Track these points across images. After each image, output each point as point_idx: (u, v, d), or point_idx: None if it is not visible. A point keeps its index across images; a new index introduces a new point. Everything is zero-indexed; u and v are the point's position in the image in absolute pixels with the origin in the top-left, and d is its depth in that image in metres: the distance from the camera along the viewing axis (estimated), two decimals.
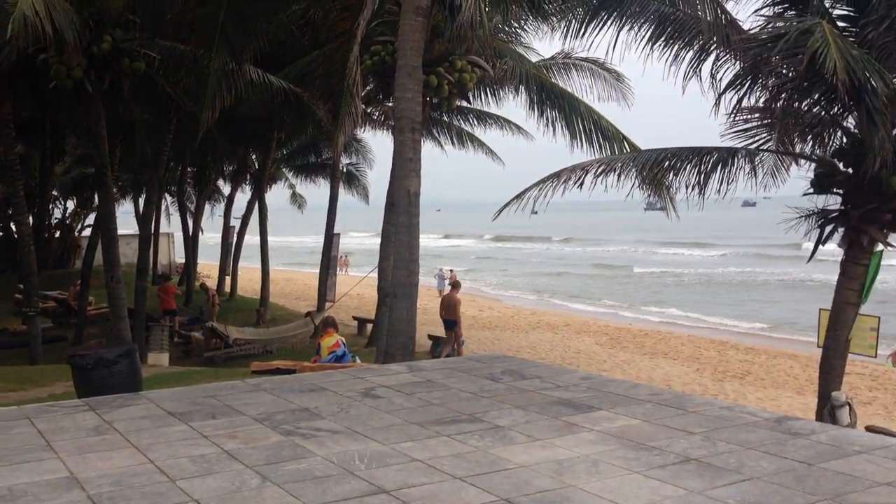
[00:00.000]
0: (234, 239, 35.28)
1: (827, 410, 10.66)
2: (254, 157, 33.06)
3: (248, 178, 34.71)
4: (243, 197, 35.62)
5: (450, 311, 18.76)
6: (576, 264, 64.21)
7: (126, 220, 31.97)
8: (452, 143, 26.35)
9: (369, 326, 22.23)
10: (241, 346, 20.56)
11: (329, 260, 27.10)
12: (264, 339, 21.65)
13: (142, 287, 20.50)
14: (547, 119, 18.46)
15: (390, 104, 16.85)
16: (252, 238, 33.05)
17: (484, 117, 24.23)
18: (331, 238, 27.07)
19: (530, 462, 5.19)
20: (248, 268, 40.17)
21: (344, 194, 33.03)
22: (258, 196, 31.53)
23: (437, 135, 25.76)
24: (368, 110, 22.59)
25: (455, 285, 20.26)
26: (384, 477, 4.88)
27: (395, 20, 14.12)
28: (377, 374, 8.25)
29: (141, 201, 35.77)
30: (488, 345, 20.69)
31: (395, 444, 5.60)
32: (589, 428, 6.01)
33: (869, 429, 10.92)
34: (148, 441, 5.64)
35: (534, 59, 20.21)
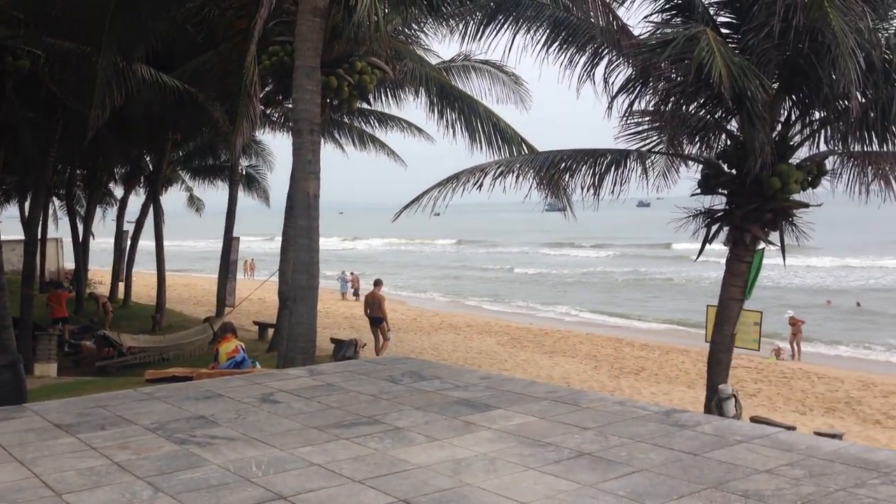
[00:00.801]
0: (128, 243, 34.08)
1: (714, 402, 11.12)
2: (148, 158, 32.01)
3: (142, 180, 33.57)
4: (137, 200, 34.45)
5: (374, 309, 19.33)
6: (476, 266, 64.94)
7: (11, 224, 30.49)
8: (354, 144, 26.17)
9: (271, 331, 21.86)
10: (135, 355, 19.86)
11: (228, 264, 26.49)
12: (160, 346, 20.98)
13: (28, 295, 19.54)
14: (447, 121, 18.57)
15: (290, 105, 16.62)
16: (147, 243, 32.01)
17: (385, 119, 24.17)
18: (230, 242, 26.48)
19: (429, 462, 5.22)
20: (144, 273, 38.91)
21: (244, 197, 32.41)
22: (153, 199, 30.55)
23: (338, 136, 25.52)
24: (268, 112, 22.20)
25: (377, 283, 20.35)
26: (281, 483, 4.83)
27: (293, 20, 13.92)
28: (276, 379, 8.14)
29: (27, 205, 34.12)
30: (391, 347, 20.65)
31: (294, 449, 5.54)
32: (487, 427, 6.09)
33: (753, 419, 11.45)
34: (32, 455, 5.40)
35: (434, 61, 20.29)
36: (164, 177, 31.06)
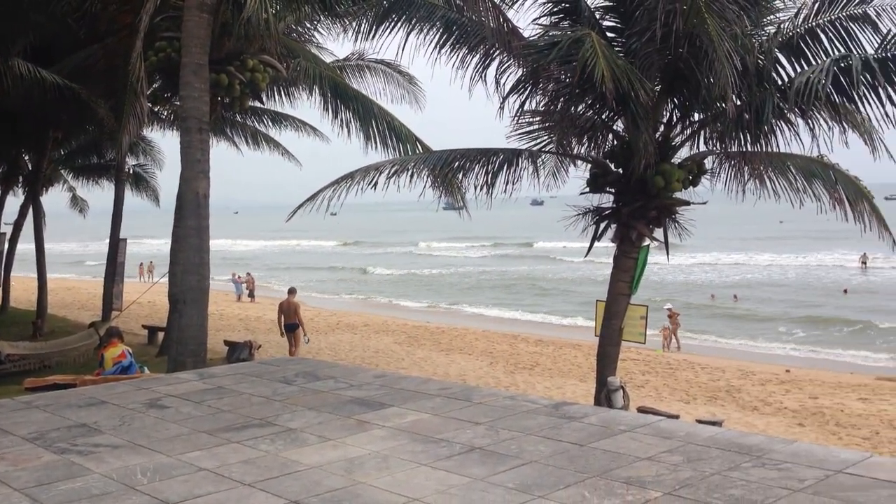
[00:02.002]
0: (6, 246, 32.36)
1: (603, 395, 11.46)
2: (27, 157, 30.50)
3: (20, 180, 31.95)
4: (15, 201, 32.75)
5: (289, 316, 19.39)
6: (375, 264, 64.83)
7: None
8: (248, 143, 25.70)
9: (161, 335, 21.21)
10: (14, 363, 18.87)
11: (115, 266, 25.53)
12: (42, 352, 20.02)
13: None
14: (342, 120, 18.45)
15: (179, 103, 16.18)
16: (27, 246, 30.51)
17: (279, 118, 23.82)
18: (116, 243, 25.54)
19: (321, 462, 5.20)
20: (24, 277, 37.07)
21: (133, 197, 31.27)
22: (32, 200, 29.14)
23: (231, 135, 25.02)
24: (156, 109, 21.52)
25: (292, 291, 20.27)
26: (168, 490, 4.72)
27: (180, 15, 13.56)
28: (164, 384, 7.94)
29: None
30: (287, 348, 20.39)
31: (181, 454, 5.42)
32: (380, 425, 6.12)
33: (640, 409, 11.88)
34: None
35: (328, 59, 20.14)
36: (44, 176, 29.66)
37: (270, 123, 24.11)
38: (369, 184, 12.49)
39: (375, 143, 18.12)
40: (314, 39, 19.37)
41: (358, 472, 4.99)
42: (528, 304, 39.37)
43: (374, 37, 12.36)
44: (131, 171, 31.62)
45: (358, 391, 7.31)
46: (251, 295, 39.78)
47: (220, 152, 26.43)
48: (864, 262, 51.03)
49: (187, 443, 5.71)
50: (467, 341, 25.39)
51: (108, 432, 6.01)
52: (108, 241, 25.99)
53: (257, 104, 19.40)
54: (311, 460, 5.25)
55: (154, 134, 29.07)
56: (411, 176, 12.53)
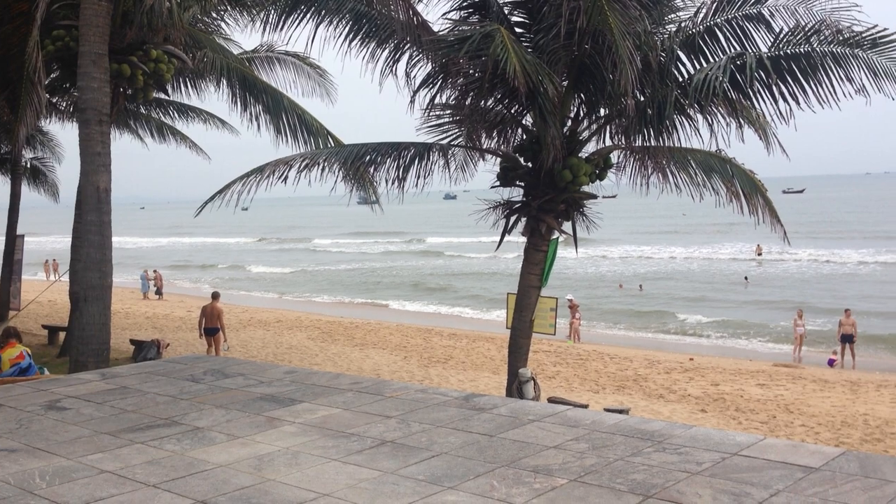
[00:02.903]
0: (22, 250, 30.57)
1: (515, 386, 11.64)
2: None
3: None
4: None
5: (211, 320, 19.10)
6: (286, 260, 64.05)
7: None
8: (153, 136, 24.96)
9: (62, 335, 20.44)
10: None
11: (12, 264, 24.48)
12: None
13: None
14: (251, 113, 18.12)
15: (78, 94, 15.61)
16: None
17: (186, 110, 23.19)
18: (13, 240, 24.49)
19: (230, 461, 5.13)
20: None
21: (30, 192, 30.03)
22: None
23: (135, 127, 24.25)
24: (54, 100, 20.69)
25: (215, 296, 19.80)
26: (69, 493, 4.58)
27: (79, 3, 13.09)
28: (65, 385, 7.67)
29: None
30: (196, 346, 19.95)
31: (82, 457, 5.27)
32: (291, 421, 6.07)
33: (551, 400, 12.12)
34: None
35: (236, 51, 19.73)
36: None
37: (177, 116, 23.47)
38: (279, 178, 12.33)
39: (286, 136, 17.88)
40: (221, 30, 18.99)
41: (267, 470, 4.94)
42: (431, 299, 39.69)
43: (282, 28, 12.22)
44: (28, 165, 30.35)
45: (268, 388, 7.22)
46: (159, 292, 38.72)
47: (125, 145, 25.68)
48: (759, 254, 53.20)
49: (89, 445, 5.54)
50: (381, 336, 25.36)
51: (3, 436, 5.78)
52: (3, 237, 24.94)
53: (162, 96, 18.89)
54: (218, 459, 5.17)
55: (53, 126, 27.96)
56: (322, 170, 12.43)
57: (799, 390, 17.75)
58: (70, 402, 6.85)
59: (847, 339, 23.17)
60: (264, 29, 12.76)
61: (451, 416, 6.08)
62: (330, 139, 17.79)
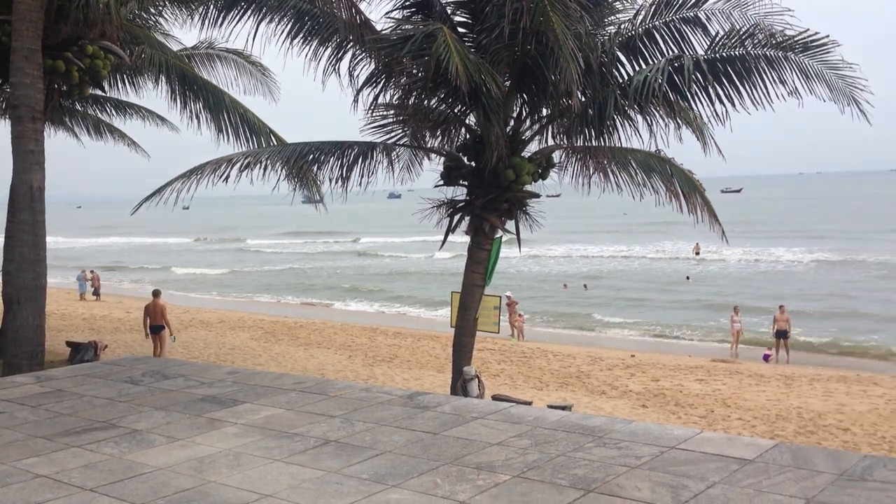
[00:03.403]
0: None
1: (459, 384, 11.69)
2: None
3: None
4: None
5: (155, 318, 18.89)
6: (220, 260, 63.24)
7: None
8: (89, 133, 24.36)
9: None
10: None
11: None
12: None
13: None
14: (191, 111, 17.84)
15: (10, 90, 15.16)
16: None
17: (123, 107, 22.69)
18: None
19: (169, 463, 5.06)
20: None
21: None
22: None
23: (70, 125, 23.65)
24: None
25: (156, 293, 19.46)
26: (3, 498, 4.46)
27: None
28: None
29: None
30: (135, 347, 19.56)
31: (16, 461, 5.13)
32: (232, 422, 6.00)
33: (495, 397, 12.19)
34: None
35: (176, 47, 19.39)
36: None
37: (114, 112, 22.93)
38: (221, 177, 12.16)
39: (228, 134, 17.65)
40: (160, 26, 18.63)
41: (208, 472, 4.89)
42: (371, 299, 39.67)
43: (222, 24, 12.10)
44: None
45: (209, 389, 7.13)
46: (96, 293, 37.84)
47: (56, 143, 24.96)
48: (697, 252, 54.29)
49: (23, 449, 5.40)
50: (326, 335, 25.20)
51: None
52: None
53: (99, 92, 18.46)
54: (158, 461, 5.09)
55: None
56: (265, 169, 12.31)
57: (736, 385, 18.19)
58: (3, 406, 6.66)
59: (781, 335, 23.80)
60: (203, 25, 12.60)
61: (396, 414, 6.08)
62: (273, 137, 17.61)
